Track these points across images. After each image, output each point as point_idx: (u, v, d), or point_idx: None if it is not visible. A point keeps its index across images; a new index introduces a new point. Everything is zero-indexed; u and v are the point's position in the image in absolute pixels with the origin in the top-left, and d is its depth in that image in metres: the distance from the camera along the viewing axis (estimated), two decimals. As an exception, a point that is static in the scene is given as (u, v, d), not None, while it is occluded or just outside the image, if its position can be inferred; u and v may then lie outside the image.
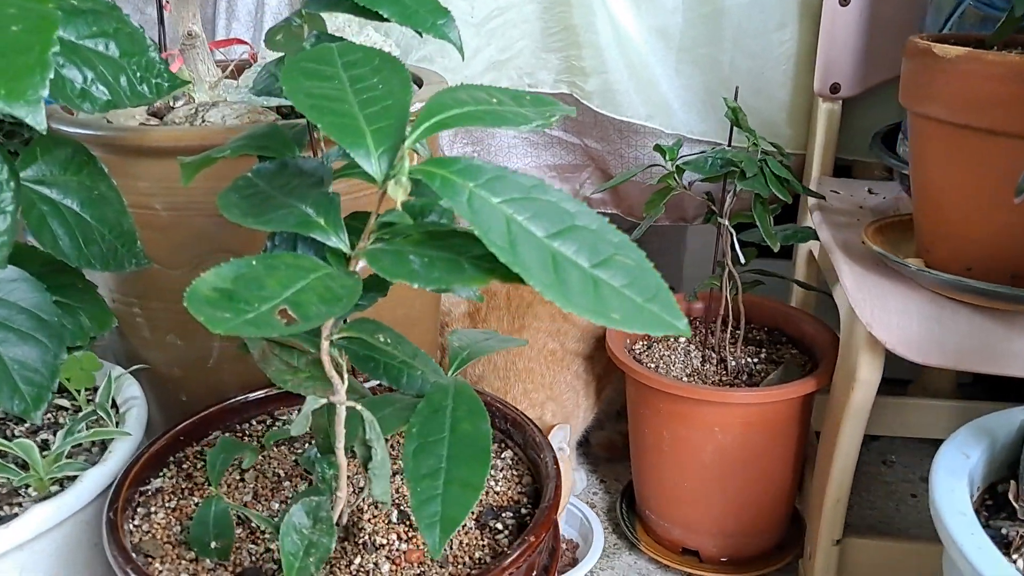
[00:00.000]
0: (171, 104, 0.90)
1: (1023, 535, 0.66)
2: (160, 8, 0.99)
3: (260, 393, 0.86)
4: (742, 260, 0.96)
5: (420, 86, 1.00)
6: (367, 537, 0.70)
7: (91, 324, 0.77)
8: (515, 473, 0.79)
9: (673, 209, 1.29)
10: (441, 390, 0.60)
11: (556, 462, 0.75)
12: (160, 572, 0.66)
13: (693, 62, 1.17)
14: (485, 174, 0.47)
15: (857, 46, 1.08)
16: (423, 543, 0.70)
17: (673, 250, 1.57)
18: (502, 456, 0.81)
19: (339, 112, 0.49)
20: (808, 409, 1.00)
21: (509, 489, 0.76)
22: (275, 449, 0.82)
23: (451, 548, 0.70)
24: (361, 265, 0.50)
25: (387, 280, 0.47)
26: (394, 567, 0.67)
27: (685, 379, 1.03)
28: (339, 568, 0.66)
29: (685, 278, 1.57)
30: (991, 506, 0.71)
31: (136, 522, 0.72)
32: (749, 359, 1.06)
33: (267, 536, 0.72)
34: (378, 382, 0.83)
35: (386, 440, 0.73)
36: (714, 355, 1.07)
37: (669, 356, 1.07)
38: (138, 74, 0.67)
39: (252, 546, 0.71)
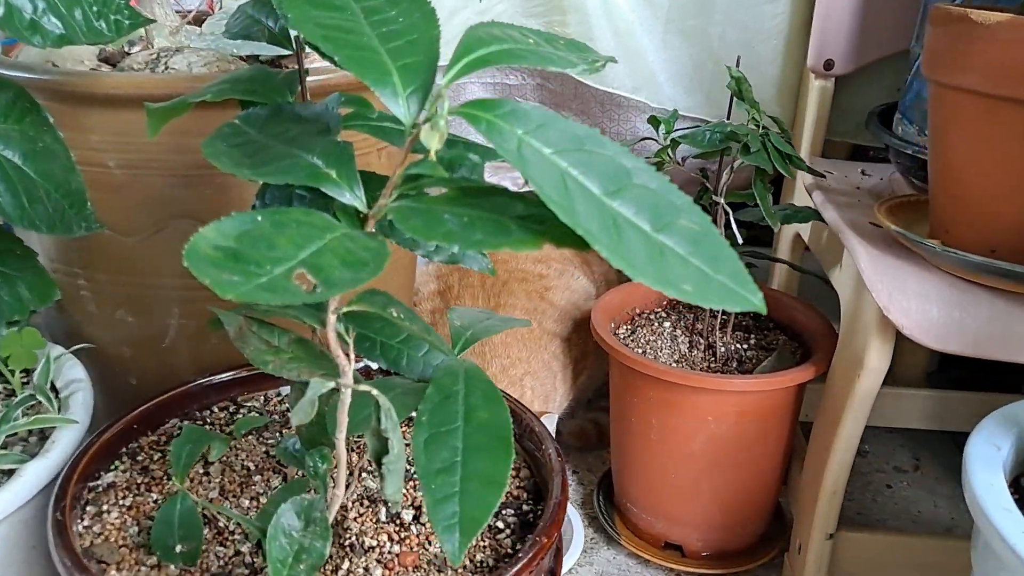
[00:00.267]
0: (126, 50, 0.80)
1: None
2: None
3: (224, 376, 0.78)
4: (739, 240, 0.91)
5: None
6: (354, 538, 0.63)
7: (31, 296, 0.67)
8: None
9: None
10: (450, 374, 0.53)
11: (560, 454, 0.69)
12: (118, 580, 0.58)
13: (681, 33, 1.12)
14: (533, 120, 0.40)
15: (853, 21, 1.04)
16: (417, 544, 0.63)
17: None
18: (497, 447, 0.74)
19: (357, 45, 0.41)
20: (800, 398, 0.96)
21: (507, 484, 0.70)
22: (242, 439, 0.73)
23: (448, 549, 0.63)
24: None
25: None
26: (386, 572, 0.60)
27: (673, 365, 0.98)
28: (324, 575, 0.59)
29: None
30: (1017, 500, 0.68)
31: (86, 523, 0.63)
32: (738, 345, 1.02)
33: (237, 537, 0.64)
34: (362, 364, 0.75)
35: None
36: (702, 341, 1.02)
37: (655, 341, 1.02)
38: (95, 8, 0.58)
39: (220, 548, 0.63)
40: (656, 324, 1.05)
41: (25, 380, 0.79)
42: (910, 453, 1.32)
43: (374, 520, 0.65)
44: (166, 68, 0.75)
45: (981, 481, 0.61)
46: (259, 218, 0.39)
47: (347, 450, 0.70)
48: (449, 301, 1.11)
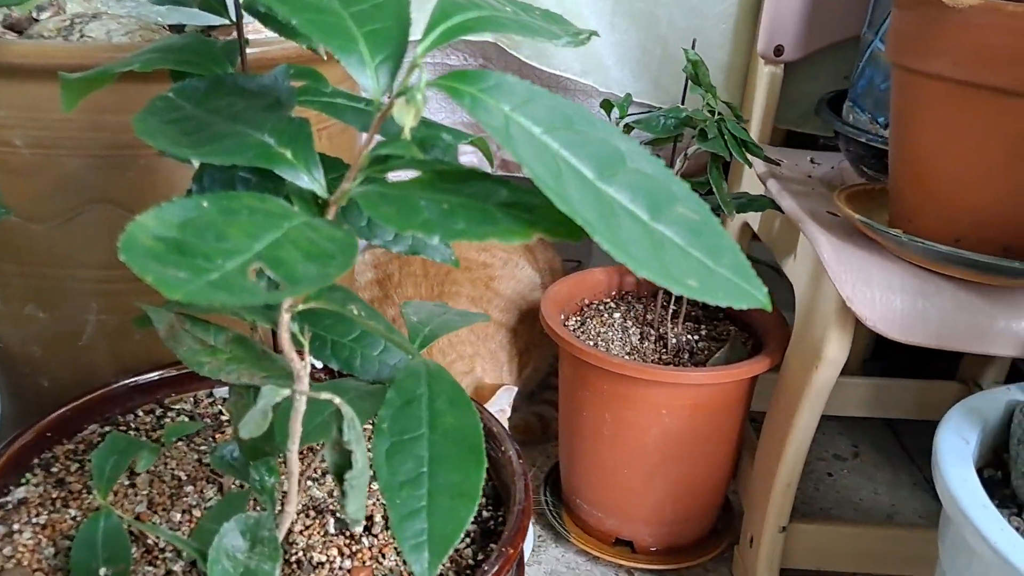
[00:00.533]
0: (34, 16, 0.72)
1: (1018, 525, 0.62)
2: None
3: (150, 376, 0.71)
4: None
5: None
6: (301, 554, 0.58)
7: (-74, 290, 0.59)
8: (468, 469, 0.67)
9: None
10: (412, 375, 0.49)
11: (520, 455, 0.65)
12: (33, 612, 0.51)
13: (630, 16, 1.08)
14: (518, 94, 0.36)
15: (804, 7, 1.03)
16: (370, 558, 0.58)
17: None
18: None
19: (317, 7, 0.36)
20: (752, 390, 0.95)
21: (464, 488, 0.65)
22: (172, 446, 0.67)
23: (404, 562, 0.58)
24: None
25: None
26: (339, 590, 0.55)
27: (625, 357, 0.95)
28: (271, 596, 0.54)
29: (594, 248, 1.50)
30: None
31: (-5, 545, 0.56)
32: (689, 336, 1.00)
33: (168, 555, 0.58)
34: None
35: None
36: (653, 332, 0.99)
37: (606, 333, 0.99)
38: (-2, -36, 0.51)
39: (150, 568, 0.57)
40: (606, 315, 1.02)
41: (-80, 383, 0.71)
42: (849, 441, 1.33)
43: (322, 533, 0.60)
44: (81, 36, 0.67)
45: (955, 477, 0.60)
46: (204, 204, 0.33)
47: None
48: (389, 291, 1.06)
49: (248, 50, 0.53)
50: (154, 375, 0.71)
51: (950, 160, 0.68)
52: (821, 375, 0.81)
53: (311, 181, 0.38)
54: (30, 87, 0.64)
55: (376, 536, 0.60)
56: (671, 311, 0.98)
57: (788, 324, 0.97)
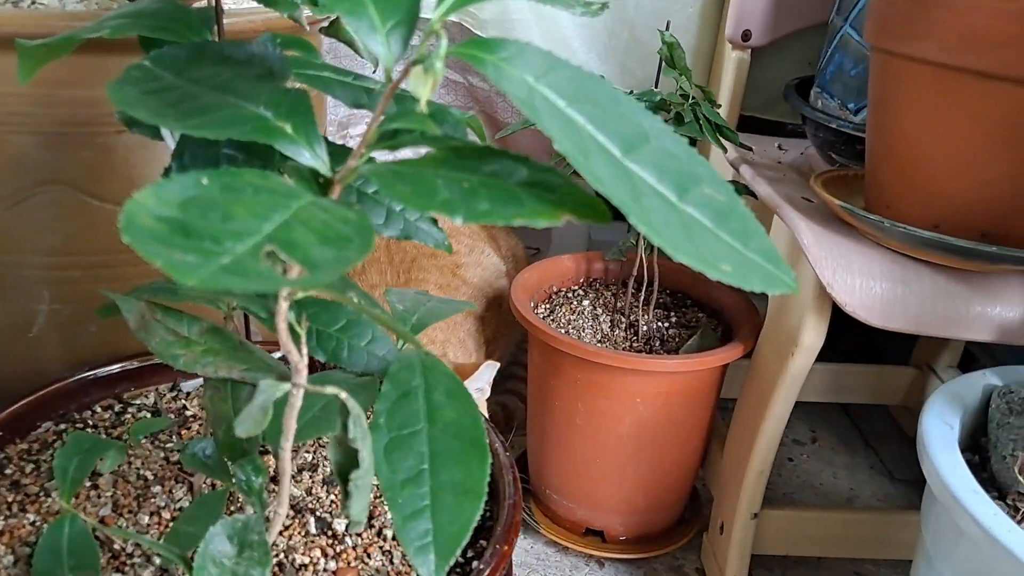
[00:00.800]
0: (-23, -19, 0.67)
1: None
2: None
3: (109, 369, 0.67)
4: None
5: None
6: (283, 555, 0.55)
7: None
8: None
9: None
10: (406, 366, 0.46)
11: (506, 448, 0.63)
12: (-6, 627, 0.48)
13: (596, -3, 1.06)
14: (539, 64, 0.34)
15: (772, -8, 1.02)
16: (355, 558, 0.56)
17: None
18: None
19: (319, -33, 0.33)
20: (723, 377, 0.94)
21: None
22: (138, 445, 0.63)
23: (391, 562, 0.56)
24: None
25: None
26: (324, 593, 0.52)
27: (597, 345, 0.94)
28: (253, 601, 0.50)
29: (554, 235, 1.48)
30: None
31: (-54, 555, 0.52)
32: (660, 324, 0.99)
33: (137, 560, 0.54)
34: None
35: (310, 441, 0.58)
36: (623, 319, 0.98)
37: (577, 321, 0.97)
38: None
39: (118, 575, 0.53)
40: (575, 303, 1.01)
41: None
42: (807, 426, 1.34)
43: (303, 533, 0.57)
44: (33, 3, 0.62)
45: (944, 463, 0.60)
46: (204, 181, 0.30)
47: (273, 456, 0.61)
48: (352, 277, 1.02)
49: (225, 20, 0.49)
50: (114, 368, 0.67)
51: (931, 145, 0.68)
52: (797, 362, 0.81)
53: (313, 158, 0.35)
54: (-25, 58, 0.59)
55: (360, 535, 0.57)
56: (642, 298, 0.97)
57: (756, 310, 0.97)
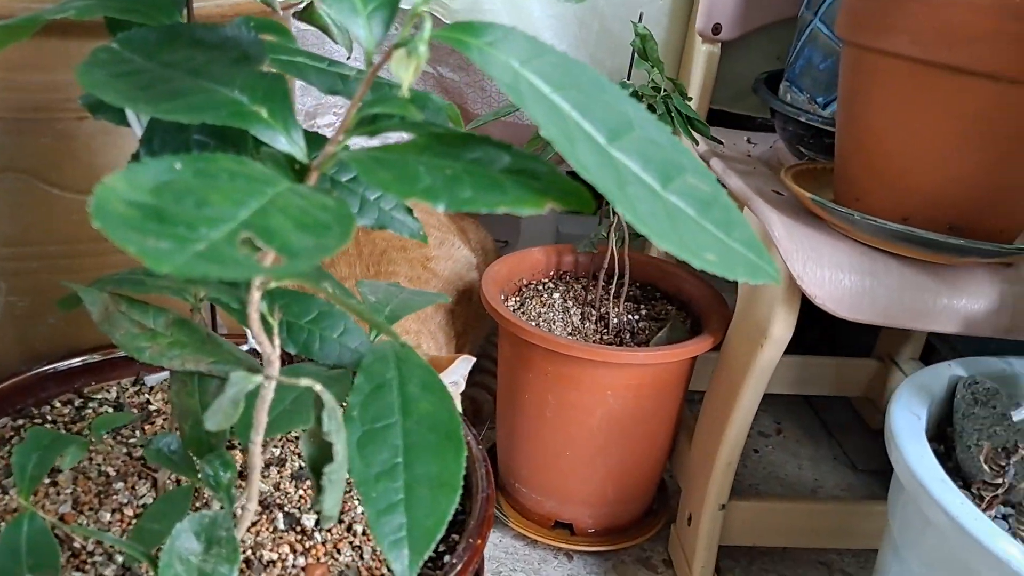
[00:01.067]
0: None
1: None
2: None
3: (68, 363, 0.65)
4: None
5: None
6: (250, 552, 0.54)
7: None
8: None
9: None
10: (380, 359, 0.45)
11: (479, 441, 0.62)
12: (-50, 630, 0.46)
13: (567, -12, 1.06)
14: (523, 49, 0.33)
15: (742, -15, 1.03)
16: (324, 554, 0.55)
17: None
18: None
19: (296, -55, 0.32)
20: (692, 369, 0.95)
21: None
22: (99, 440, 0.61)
23: (361, 557, 0.55)
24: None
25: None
26: (294, 590, 0.51)
27: (568, 338, 0.93)
28: (221, 599, 0.49)
29: (523, 228, 1.48)
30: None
31: (-102, 556, 0.50)
32: (629, 316, 0.99)
33: (98, 559, 0.53)
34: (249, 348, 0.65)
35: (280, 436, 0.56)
36: (594, 312, 0.98)
37: (547, 313, 0.97)
38: None
39: (78, 574, 0.52)
40: (545, 295, 1.00)
41: None
42: (772, 417, 1.35)
43: (271, 528, 0.56)
44: (-13, -18, 0.60)
45: (912, 453, 0.60)
46: (177, 165, 0.29)
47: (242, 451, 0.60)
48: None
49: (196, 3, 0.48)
50: (74, 362, 0.65)
51: (903, 140, 0.69)
52: (766, 354, 0.81)
53: (289, 143, 0.34)
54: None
55: (330, 531, 0.56)
56: (613, 291, 0.97)
57: (724, 302, 0.98)
